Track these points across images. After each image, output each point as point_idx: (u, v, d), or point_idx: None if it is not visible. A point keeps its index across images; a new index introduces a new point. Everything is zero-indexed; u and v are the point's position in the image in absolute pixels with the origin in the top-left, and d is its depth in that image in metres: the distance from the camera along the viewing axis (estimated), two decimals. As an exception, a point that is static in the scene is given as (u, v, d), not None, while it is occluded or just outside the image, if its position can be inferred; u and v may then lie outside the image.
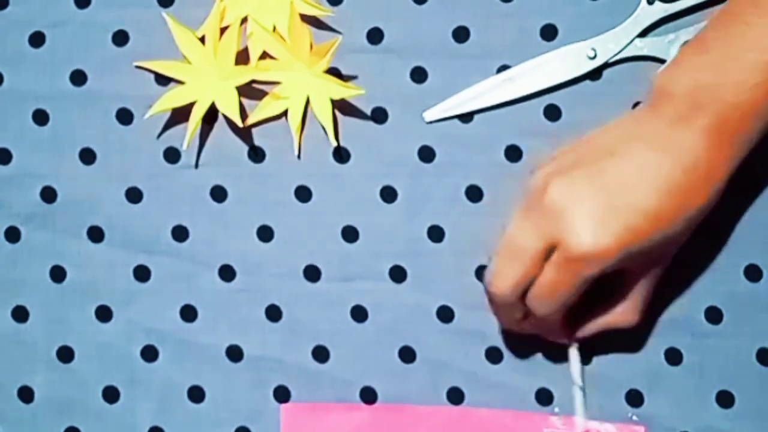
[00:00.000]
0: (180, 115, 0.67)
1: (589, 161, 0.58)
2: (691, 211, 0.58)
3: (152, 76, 0.68)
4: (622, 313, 0.62)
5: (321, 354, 0.67)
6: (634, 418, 0.65)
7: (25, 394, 0.68)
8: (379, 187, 0.67)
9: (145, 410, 0.68)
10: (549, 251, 0.58)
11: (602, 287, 0.60)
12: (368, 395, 0.66)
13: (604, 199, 0.57)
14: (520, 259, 0.59)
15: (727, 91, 0.56)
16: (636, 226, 0.57)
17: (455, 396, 0.66)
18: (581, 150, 0.60)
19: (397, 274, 0.67)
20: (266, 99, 0.67)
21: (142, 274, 0.68)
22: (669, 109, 0.58)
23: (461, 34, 0.67)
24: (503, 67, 0.66)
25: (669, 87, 0.58)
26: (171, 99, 0.67)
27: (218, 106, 0.66)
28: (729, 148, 0.57)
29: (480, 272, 0.65)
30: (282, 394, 0.67)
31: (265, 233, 0.67)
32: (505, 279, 0.59)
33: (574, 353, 0.64)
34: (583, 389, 0.64)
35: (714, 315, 0.65)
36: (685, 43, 0.63)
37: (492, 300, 0.61)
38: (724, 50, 0.57)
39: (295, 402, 0.66)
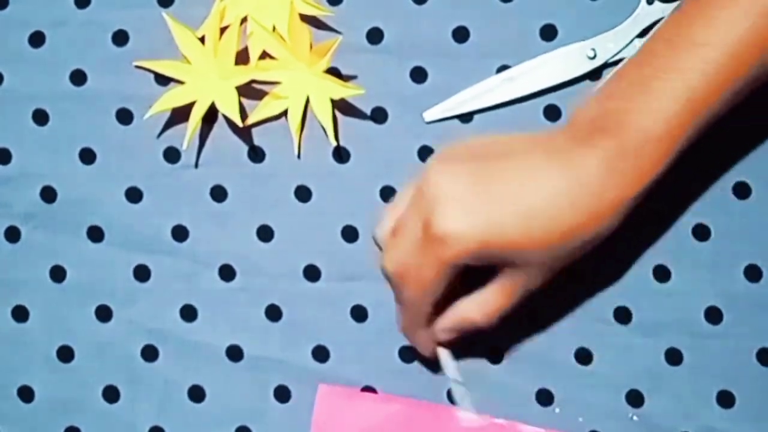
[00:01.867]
0: (180, 115, 0.67)
1: (481, 156, 0.58)
2: (567, 233, 0.56)
3: (152, 76, 0.68)
4: (470, 310, 0.60)
5: (321, 354, 0.67)
6: (635, 418, 0.65)
7: (25, 394, 0.68)
8: (379, 187, 0.67)
9: (145, 410, 0.68)
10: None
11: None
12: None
13: (478, 189, 0.56)
14: (404, 236, 0.58)
15: (631, 117, 0.56)
16: (503, 225, 0.56)
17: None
18: (479, 144, 0.59)
19: (397, 274, 0.67)
20: (266, 99, 0.67)
21: (142, 274, 0.68)
22: (575, 132, 0.57)
23: (461, 34, 0.67)
24: (503, 67, 0.66)
25: (579, 114, 0.58)
26: (171, 99, 0.67)
27: (218, 106, 0.66)
28: (629, 178, 0.56)
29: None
30: (282, 394, 0.67)
31: (265, 233, 0.67)
32: (392, 256, 0.59)
33: (443, 352, 0.64)
34: (461, 383, 0.64)
35: (714, 315, 0.65)
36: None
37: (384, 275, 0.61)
38: (631, 78, 0.57)
39: (333, 384, 0.66)
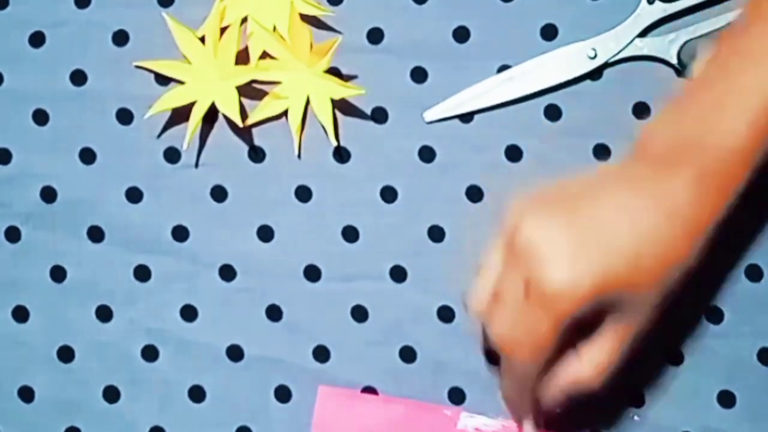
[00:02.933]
0: (180, 115, 0.67)
1: (567, 199, 0.56)
2: (672, 263, 0.55)
3: (152, 76, 0.68)
4: (580, 370, 0.58)
5: (321, 354, 0.67)
6: (635, 418, 0.65)
7: (25, 394, 0.68)
8: (379, 187, 0.67)
9: (145, 410, 0.68)
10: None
11: None
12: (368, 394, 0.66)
13: (579, 236, 0.54)
14: (505, 303, 0.57)
15: (708, 138, 0.55)
16: (613, 267, 0.54)
17: (456, 396, 0.66)
18: (560, 189, 0.57)
19: (398, 274, 0.67)
20: (266, 99, 0.67)
21: (142, 274, 0.68)
22: (653, 159, 0.56)
23: (461, 34, 0.67)
24: (503, 67, 0.66)
25: (652, 139, 0.57)
26: (171, 99, 0.67)
27: (218, 106, 0.66)
28: (715, 197, 0.55)
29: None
30: (282, 394, 0.67)
31: (265, 233, 0.67)
32: (497, 326, 0.57)
33: (527, 427, 0.63)
34: None
35: (714, 315, 0.65)
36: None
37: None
38: (704, 100, 0.56)
39: (333, 386, 0.66)
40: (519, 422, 0.63)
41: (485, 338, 0.59)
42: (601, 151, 0.66)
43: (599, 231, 0.54)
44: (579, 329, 0.57)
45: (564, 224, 0.55)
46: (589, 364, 0.58)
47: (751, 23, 0.56)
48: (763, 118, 0.55)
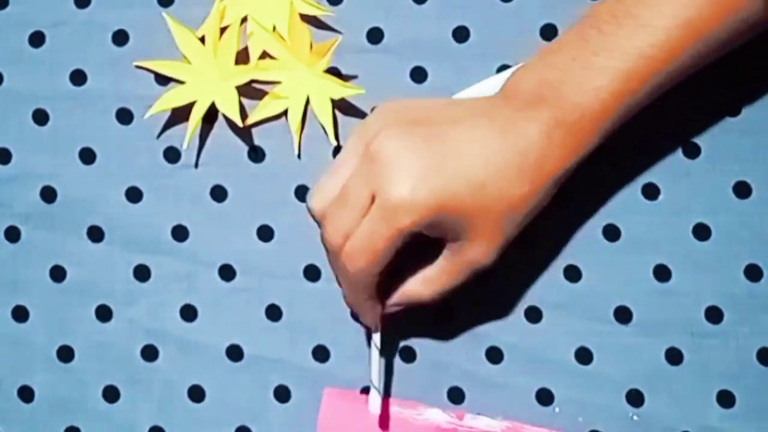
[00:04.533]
0: (180, 115, 0.67)
1: (428, 121, 0.58)
2: (515, 201, 0.58)
3: (152, 76, 0.68)
4: (419, 288, 0.61)
5: (321, 354, 0.67)
6: (635, 417, 0.65)
7: (25, 394, 0.68)
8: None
9: (145, 410, 0.68)
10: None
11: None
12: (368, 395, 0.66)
13: (431, 157, 0.57)
14: (350, 205, 0.58)
15: (569, 90, 0.58)
16: (456, 190, 0.57)
17: (456, 396, 0.66)
18: (425, 110, 0.60)
19: (397, 274, 0.67)
20: (266, 99, 0.67)
21: (142, 274, 0.68)
22: (515, 100, 0.59)
23: (461, 34, 0.67)
24: (503, 67, 0.66)
25: (518, 82, 0.60)
26: (171, 99, 0.67)
27: (218, 106, 0.66)
28: (564, 148, 0.58)
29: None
30: (282, 394, 0.67)
31: (265, 232, 0.67)
32: (336, 225, 0.59)
33: (376, 337, 0.63)
34: (377, 388, 0.64)
35: (714, 315, 0.65)
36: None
37: (324, 246, 0.60)
38: (573, 52, 0.58)
39: (339, 388, 0.66)
40: (364, 323, 0.64)
41: (322, 238, 0.60)
42: (600, 150, 0.66)
43: (450, 155, 0.57)
44: (420, 249, 0.59)
45: (419, 143, 0.57)
46: (425, 284, 0.61)
47: None
48: (625, 82, 0.57)
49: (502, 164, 0.57)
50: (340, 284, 0.62)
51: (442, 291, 0.61)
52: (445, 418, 0.65)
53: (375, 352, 0.63)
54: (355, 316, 0.66)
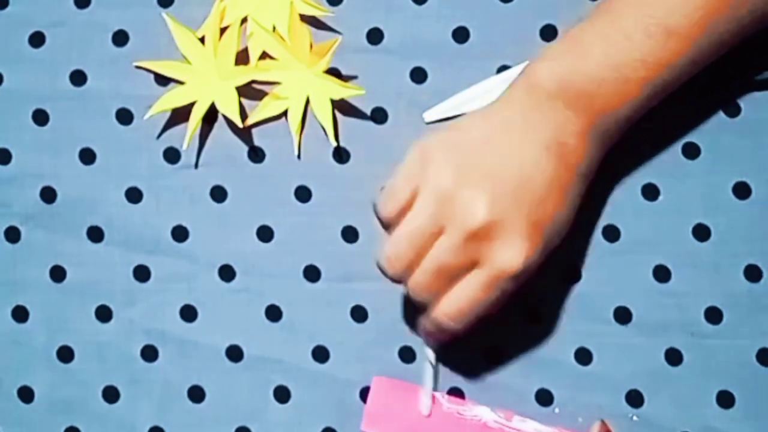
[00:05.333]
0: (180, 115, 0.67)
1: (492, 167, 0.59)
2: (540, 205, 0.59)
3: (152, 76, 0.68)
4: (440, 310, 0.61)
5: (321, 354, 0.67)
6: (635, 417, 0.65)
7: (25, 394, 0.68)
8: (379, 187, 0.67)
9: (145, 410, 0.68)
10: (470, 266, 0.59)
11: None
12: (368, 396, 0.66)
13: (526, 215, 0.58)
14: (442, 273, 0.59)
15: (597, 96, 0.58)
16: (553, 236, 0.59)
17: (456, 396, 0.66)
18: (460, 133, 0.60)
19: (397, 274, 0.66)
20: (266, 99, 0.67)
21: (142, 274, 0.68)
22: (535, 97, 0.59)
23: (461, 34, 0.67)
24: (503, 67, 0.66)
25: (534, 78, 0.60)
26: (171, 99, 0.67)
27: (218, 106, 0.66)
28: (581, 149, 0.59)
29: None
30: (282, 394, 0.67)
31: (265, 233, 0.67)
32: (404, 245, 0.59)
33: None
34: (433, 365, 0.65)
35: (714, 315, 0.65)
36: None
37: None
38: (600, 58, 0.58)
39: (388, 377, 0.66)
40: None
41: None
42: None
43: (538, 205, 0.58)
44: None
45: (511, 204, 0.58)
46: (447, 305, 0.60)
47: None
48: (641, 70, 0.58)
49: (569, 192, 0.59)
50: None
51: (468, 318, 0.60)
52: (492, 417, 0.65)
53: (429, 356, 0.65)
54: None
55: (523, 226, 0.58)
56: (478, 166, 0.58)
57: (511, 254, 0.57)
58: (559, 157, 0.58)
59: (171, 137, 0.68)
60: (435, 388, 0.65)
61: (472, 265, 0.58)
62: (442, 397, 0.66)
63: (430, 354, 0.65)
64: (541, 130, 0.58)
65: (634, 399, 0.65)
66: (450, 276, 0.59)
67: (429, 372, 0.65)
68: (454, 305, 0.59)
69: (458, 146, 0.59)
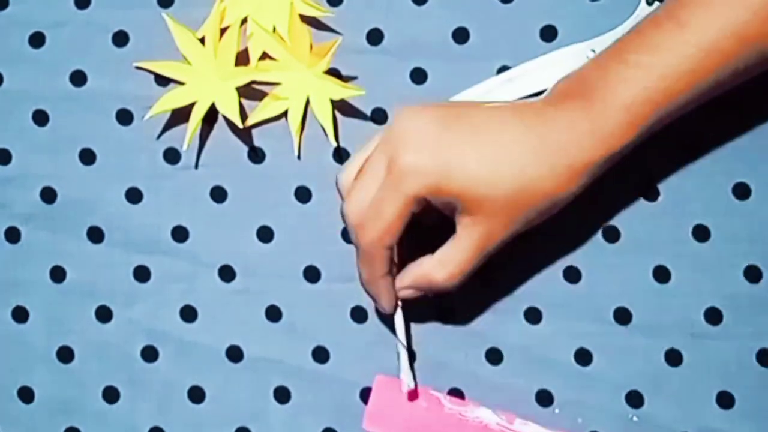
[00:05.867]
0: (180, 115, 0.67)
1: (450, 106, 0.59)
2: (536, 186, 0.57)
3: (152, 76, 0.68)
4: (432, 268, 0.60)
5: (321, 354, 0.67)
6: (635, 418, 0.65)
7: (25, 394, 0.68)
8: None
9: (145, 410, 0.68)
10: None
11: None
12: (368, 396, 0.66)
13: (448, 132, 0.57)
14: (370, 177, 0.59)
15: (602, 83, 0.57)
16: (468, 166, 0.57)
17: (456, 396, 0.66)
18: (452, 104, 0.60)
19: (397, 275, 0.67)
20: (266, 99, 0.67)
21: (142, 274, 0.68)
22: (547, 97, 0.59)
23: (461, 35, 0.67)
24: (503, 68, 0.66)
25: (557, 85, 0.59)
26: (171, 100, 0.67)
27: (218, 106, 0.66)
28: (595, 139, 0.57)
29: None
30: (282, 394, 0.67)
31: (265, 233, 0.67)
32: (354, 198, 0.59)
33: (398, 315, 0.63)
34: (408, 350, 0.64)
35: (714, 315, 0.65)
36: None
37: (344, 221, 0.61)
38: (612, 52, 0.58)
39: (390, 376, 0.66)
40: (380, 306, 0.63)
41: (341, 213, 0.60)
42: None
43: (467, 132, 0.57)
44: (435, 228, 0.59)
45: (437, 117, 0.58)
46: (441, 264, 0.60)
47: None
48: (660, 86, 0.56)
49: (520, 145, 0.57)
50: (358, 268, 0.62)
51: (457, 273, 0.60)
52: (494, 419, 0.65)
53: (399, 323, 0.63)
54: (380, 315, 0.66)
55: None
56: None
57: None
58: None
59: (171, 137, 0.68)
60: (411, 366, 0.65)
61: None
62: (444, 398, 0.66)
63: (398, 323, 0.63)
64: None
65: (634, 399, 0.65)
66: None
67: (402, 348, 0.64)
68: (365, 212, 0.59)
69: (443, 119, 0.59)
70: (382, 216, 0.58)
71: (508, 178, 0.57)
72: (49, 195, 0.69)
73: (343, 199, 0.61)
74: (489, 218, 0.58)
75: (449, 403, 0.65)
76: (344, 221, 0.60)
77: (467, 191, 0.57)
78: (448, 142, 0.57)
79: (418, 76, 0.67)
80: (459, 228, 0.59)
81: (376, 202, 0.58)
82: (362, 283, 0.62)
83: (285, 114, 0.67)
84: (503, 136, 0.57)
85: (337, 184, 0.62)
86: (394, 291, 0.62)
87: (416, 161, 0.57)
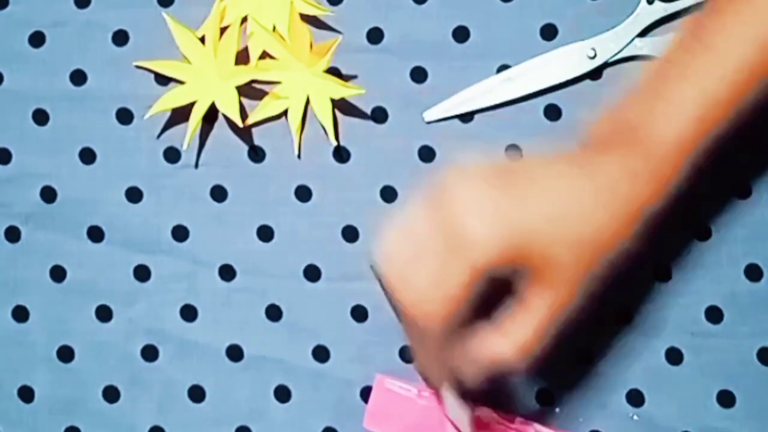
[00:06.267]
0: (180, 115, 0.67)
1: (500, 168, 0.54)
2: (603, 235, 0.54)
3: (152, 76, 0.68)
4: (501, 346, 0.54)
5: (321, 354, 0.67)
6: (635, 417, 0.65)
7: (25, 394, 0.68)
8: (379, 187, 0.67)
9: (145, 410, 0.68)
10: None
11: None
12: (368, 395, 0.66)
13: (508, 192, 0.53)
14: (426, 259, 0.53)
15: (649, 125, 0.55)
16: (537, 225, 0.52)
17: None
18: (496, 163, 0.55)
19: (397, 274, 0.66)
20: (266, 99, 0.67)
21: (142, 274, 0.68)
22: (592, 146, 0.56)
23: (461, 34, 0.67)
24: (503, 67, 0.66)
25: (595, 128, 0.57)
26: (171, 99, 0.67)
27: (218, 106, 0.66)
28: (651, 180, 0.55)
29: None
30: (282, 394, 0.67)
31: (265, 233, 0.67)
32: (410, 286, 0.54)
33: (447, 394, 0.60)
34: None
35: (714, 315, 0.65)
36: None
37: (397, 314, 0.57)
38: (650, 87, 0.56)
39: (390, 375, 0.66)
40: (432, 385, 0.62)
41: (394, 306, 0.57)
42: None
43: (524, 190, 0.53)
44: (498, 300, 0.54)
45: (489, 178, 0.53)
46: (511, 339, 0.54)
47: (709, 17, 0.55)
48: (709, 111, 0.54)
49: (580, 196, 0.53)
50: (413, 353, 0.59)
51: (527, 346, 0.54)
52: (495, 418, 0.65)
53: (450, 400, 0.60)
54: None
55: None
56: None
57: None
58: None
59: (171, 137, 0.68)
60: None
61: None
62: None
63: (451, 404, 0.60)
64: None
65: (635, 398, 0.65)
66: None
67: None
68: (420, 282, 0.53)
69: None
70: (444, 291, 0.52)
71: (575, 231, 0.53)
72: (49, 195, 0.69)
73: (383, 286, 0.56)
74: (560, 281, 0.54)
75: None
76: (403, 306, 0.54)
77: (539, 258, 0.53)
78: (510, 205, 0.53)
79: (418, 75, 0.67)
80: (527, 295, 0.54)
81: (436, 276, 0.53)
82: (418, 368, 0.60)
83: (285, 113, 0.67)
84: (563, 190, 0.53)
85: (373, 267, 0.57)
86: (448, 370, 0.58)
87: (483, 228, 0.52)
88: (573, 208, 0.53)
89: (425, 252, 0.53)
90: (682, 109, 0.54)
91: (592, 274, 0.54)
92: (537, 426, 0.65)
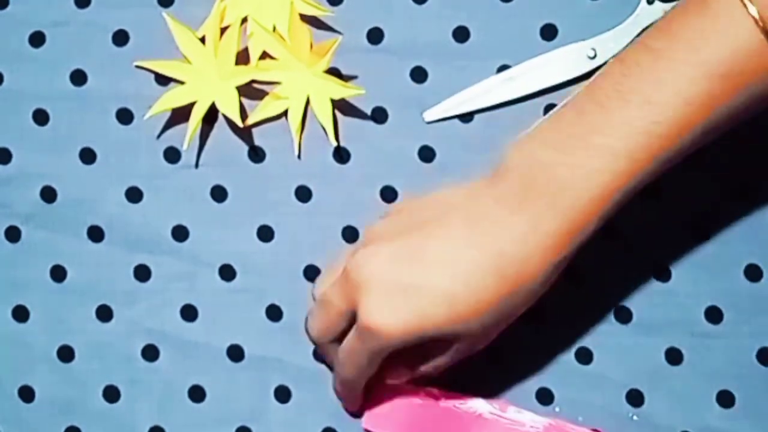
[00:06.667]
0: (180, 115, 0.67)
1: (403, 231, 0.57)
2: (501, 300, 0.56)
3: (152, 76, 0.68)
4: (422, 368, 0.61)
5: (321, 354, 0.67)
6: (635, 418, 0.65)
7: (25, 394, 0.68)
8: (379, 187, 0.67)
9: (145, 410, 0.68)
10: (353, 315, 0.58)
11: None
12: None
13: (401, 278, 0.55)
14: (326, 311, 0.60)
15: (564, 172, 0.54)
16: (427, 312, 0.55)
17: (451, 390, 0.66)
18: (406, 213, 0.59)
19: (397, 274, 0.66)
20: (266, 99, 0.67)
21: (142, 274, 0.68)
22: (501, 185, 0.56)
23: (461, 34, 0.67)
24: (503, 67, 0.66)
25: (509, 161, 0.56)
26: (171, 99, 0.67)
27: (218, 106, 0.66)
28: (558, 236, 0.55)
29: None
30: (282, 394, 0.67)
31: (265, 233, 0.67)
32: (314, 324, 0.62)
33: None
34: None
35: (714, 315, 0.65)
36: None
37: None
38: (570, 129, 0.54)
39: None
40: (348, 408, 0.66)
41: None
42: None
43: (419, 272, 0.55)
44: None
45: (389, 258, 0.56)
46: (432, 367, 0.61)
47: (642, 61, 0.54)
48: (628, 163, 0.53)
49: (477, 272, 0.55)
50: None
51: (444, 368, 0.61)
52: (488, 408, 0.65)
53: None
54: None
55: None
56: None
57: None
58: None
59: (171, 137, 0.68)
60: None
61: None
62: (437, 393, 0.65)
63: None
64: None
65: (634, 398, 0.65)
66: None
67: None
68: (339, 353, 0.61)
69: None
70: (355, 363, 0.60)
71: (470, 307, 0.55)
72: (49, 194, 0.69)
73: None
74: (466, 343, 0.59)
75: (442, 395, 0.65)
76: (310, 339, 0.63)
77: (442, 333, 0.57)
78: (404, 293, 0.55)
79: (418, 75, 0.67)
80: (442, 346, 0.59)
81: (348, 351, 0.60)
82: (334, 389, 0.65)
83: (285, 113, 0.67)
84: (458, 269, 0.55)
85: (313, 295, 0.63)
86: (360, 401, 0.65)
87: (378, 322, 0.56)
88: (470, 286, 0.55)
89: (329, 306, 0.60)
90: (603, 163, 0.53)
91: (495, 329, 0.59)
92: (530, 414, 0.65)
